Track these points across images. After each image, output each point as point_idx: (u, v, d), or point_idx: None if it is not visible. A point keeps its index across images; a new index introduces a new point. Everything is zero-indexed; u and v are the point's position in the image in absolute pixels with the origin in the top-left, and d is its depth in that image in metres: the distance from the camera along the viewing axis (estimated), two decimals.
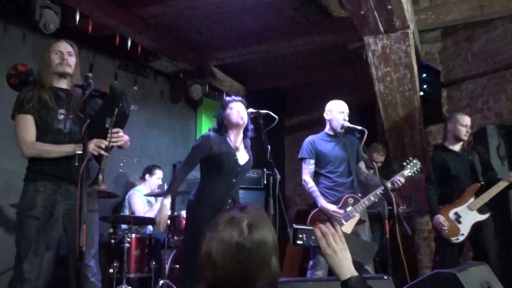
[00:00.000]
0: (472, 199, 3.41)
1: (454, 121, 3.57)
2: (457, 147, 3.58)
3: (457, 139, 3.55)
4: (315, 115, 5.83)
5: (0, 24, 3.78)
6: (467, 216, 3.38)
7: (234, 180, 2.83)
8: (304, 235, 1.31)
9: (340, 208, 3.15)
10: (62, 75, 2.45)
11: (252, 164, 3.00)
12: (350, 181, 3.27)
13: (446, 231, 3.37)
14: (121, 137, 2.38)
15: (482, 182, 3.44)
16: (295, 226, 1.32)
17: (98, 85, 2.38)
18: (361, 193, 3.30)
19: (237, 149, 2.85)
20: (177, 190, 2.90)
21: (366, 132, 3.06)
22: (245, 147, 2.93)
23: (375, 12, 3.48)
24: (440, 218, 3.38)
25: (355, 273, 1.23)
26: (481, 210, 3.38)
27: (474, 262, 2.46)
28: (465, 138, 3.53)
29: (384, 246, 3.79)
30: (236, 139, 2.85)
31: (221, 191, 2.80)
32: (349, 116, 3.31)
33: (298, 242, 1.31)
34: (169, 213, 2.87)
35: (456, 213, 3.41)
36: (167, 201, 2.80)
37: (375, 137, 5.11)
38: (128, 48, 4.40)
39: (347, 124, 3.22)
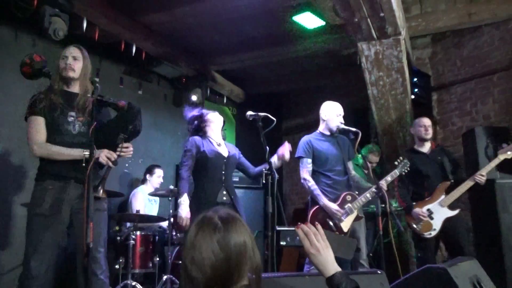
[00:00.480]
0: (443, 196, 3.54)
1: (414, 125, 3.83)
2: (425, 149, 3.74)
3: (421, 139, 3.74)
4: (311, 117, 5.95)
5: (11, 31, 3.93)
6: (438, 212, 3.52)
7: (223, 173, 3.05)
8: (287, 237, 1.33)
9: (338, 205, 3.24)
10: (67, 79, 2.52)
11: (239, 159, 3.30)
12: (346, 179, 3.37)
13: (420, 226, 3.52)
14: (131, 151, 2.50)
15: (452, 180, 3.59)
16: (278, 228, 1.35)
17: (116, 99, 2.48)
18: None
19: (219, 144, 3.20)
20: (188, 189, 3.00)
21: (360, 134, 3.19)
22: (227, 145, 3.29)
23: (368, 20, 3.62)
24: (419, 210, 3.53)
25: (339, 269, 1.26)
26: (451, 207, 3.53)
27: (463, 258, 2.52)
28: (427, 137, 3.71)
29: (378, 242, 3.94)
30: (215, 136, 3.25)
31: (214, 184, 3.05)
32: (344, 118, 3.42)
33: (282, 243, 1.33)
34: (186, 212, 2.96)
35: (428, 210, 3.54)
36: (182, 199, 2.96)
37: (369, 138, 5.22)
38: (133, 54, 4.53)
39: (343, 126, 3.34)
